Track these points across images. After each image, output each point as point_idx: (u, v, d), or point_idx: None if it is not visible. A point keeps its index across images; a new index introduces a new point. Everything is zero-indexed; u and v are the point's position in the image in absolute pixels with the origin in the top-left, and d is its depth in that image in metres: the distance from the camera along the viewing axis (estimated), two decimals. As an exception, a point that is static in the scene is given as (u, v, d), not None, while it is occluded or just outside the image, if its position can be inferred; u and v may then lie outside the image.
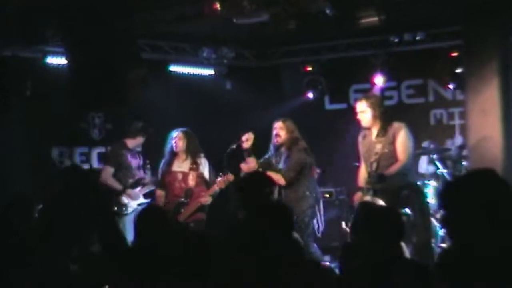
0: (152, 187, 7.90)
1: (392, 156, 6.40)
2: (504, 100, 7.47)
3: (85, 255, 3.44)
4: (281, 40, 9.79)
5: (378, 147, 6.38)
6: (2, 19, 7.12)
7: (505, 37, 7.52)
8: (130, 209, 7.70)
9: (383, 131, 6.46)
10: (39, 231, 3.34)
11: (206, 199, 7.07)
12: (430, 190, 7.72)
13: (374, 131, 6.54)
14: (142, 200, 7.82)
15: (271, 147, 7.18)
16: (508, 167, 7.20)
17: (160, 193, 7.37)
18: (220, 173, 7.03)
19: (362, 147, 6.73)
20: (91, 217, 3.33)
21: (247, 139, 6.98)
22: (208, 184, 7.16)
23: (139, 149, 8.12)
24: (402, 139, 6.43)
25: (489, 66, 7.46)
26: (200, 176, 7.21)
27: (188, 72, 9.93)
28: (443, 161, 8.37)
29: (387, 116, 6.54)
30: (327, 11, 7.40)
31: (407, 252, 5.33)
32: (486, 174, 2.28)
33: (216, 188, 7.04)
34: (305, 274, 3.26)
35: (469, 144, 7.77)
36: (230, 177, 6.97)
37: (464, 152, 8.52)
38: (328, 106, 10.61)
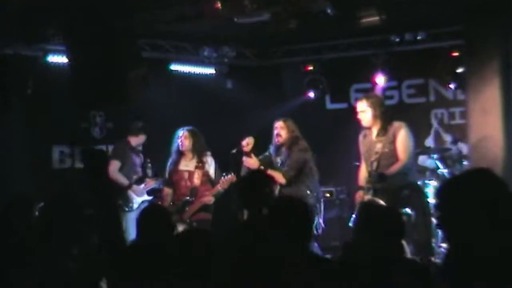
0: (154, 185, 8.00)
1: (392, 155, 6.39)
2: (505, 99, 7.46)
3: (85, 255, 3.43)
4: (282, 40, 9.79)
5: (379, 146, 6.38)
6: (3, 18, 7.12)
7: (506, 36, 7.50)
8: (135, 205, 7.88)
9: (384, 130, 6.46)
10: (39, 230, 3.33)
11: (209, 199, 7.07)
12: (431, 190, 7.71)
13: (375, 130, 6.54)
14: (146, 197, 7.96)
15: (271, 147, 7.17)
16: (509, 167, 7.19)
17: (167, 191, 7.37)
18: (224, 174, 7.03)
19: (362, 147, 6.72)
20: (91, 217, 3.32)
21: (248, 144, 7.01)
22: (213, 183, 7.15)
23: (140, 147, 8.23)
24: (402, 138, 6.43)
25: (490, 66, 7.45)
26: (206, 175, 7.20)
27: (189, 71, 9.92)
28: (443, 160, 8.36)
29: (387, 115, 6.54)
30: (328, 11, 7.40)
31: (408, 252, 5.33)
32: (483, 173, 2.26)
33: (219, 188, 7.03)
34: (306, 275, 3.25)
35: (470, 143, 7.75)
36: (233, 177, 6.97)
37: (464, 152, 8.51)
38: (329, 105, 10.60)
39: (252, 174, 5.62)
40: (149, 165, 8.46)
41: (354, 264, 3.31)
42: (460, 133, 9.00)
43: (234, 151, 7.03)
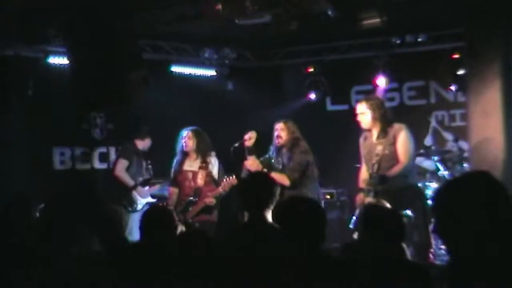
0: (159, 190, 8.13)
1: (393, 157, 6.39)
2: (506, 101, 7.45)
3: (85, 255, 3.43)
4: (283, 41, 9.79)
5: (379, 148, 6.37)
6: (3, 18, 7.13)
7: (507, 38, 7.50)
8: (139, 207, 8.02)
9: (384, 132, 6.45)
10: (39, 231, 3.34)
11: (210, 200, 7.06)
12: (431, 192, 7.71)
13: (375, 132, 6.54)
14: (150, 199, 8.03)
15: (271, 148, 7.17)
16: (509, 169, 7.18)
17: (172, 190, 7.38)
18: (226, 176, 7.03)
19: (363, 149, 6.72)
20: (91, 217, 3.32)
21: (250, 138, 6.98)
22: (217, 183, 7.14)
23: (146, 151, 8.34)
24: (403, 140, 6.42)
25: (491, 68, 7.44)
26: (209, 175, 7.19)
27: (189, 73, 9.92)
28: (443, 162, 8.36)
29: (387, 117, 6.53)
30: (329, 12, 7.40)
31: (408, 254, 5.33)
32: (481, 176, 2.23)
33: (220, 190, 7.03)
34: (305, 275, 3.26)
35: (471, 145, 7.75)
36: (234, 180, 6.96)
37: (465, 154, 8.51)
38: (330, 107, 10.61)
39: (253, 176, 5.61)
40: (150, 166, 8.51)
41: (354, 265, 3.31)
42: (460, 135, 9.01)
43: (236, 145, 7.02)
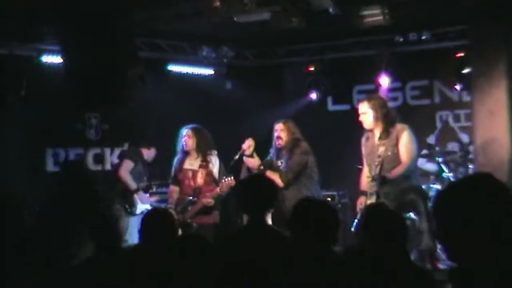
0: (158, 200, 8.24)
1: (395, 158, 6.39)
2: (512, 101, 7.46)
3: (82, 256, 3.44)
4: (283, 39, 9.80)
5: (381, 149, 6.37)
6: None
7: (513, 36, 7.51)
8: (138, 211, 8.10)
9: (386, 133, 6.45)
10: (34, 234, 3.34)
11: (209, 201, 7.06)
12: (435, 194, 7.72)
13: (377, 133, 6.54)
14: (148, 206, 8.06)
15: (272, 150, 7.17)
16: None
17: (173, 188, 7.39)
18: (224, 177, 7.04)
19: (364, 150, 6.72)
20: (87, 220, 3.33)
21: (249, 146, 7.01)
22: (217, 183, 7.14)
23: (150, 160, 8.49)
24: (405, 141, 6.42)
25: (496, 66, 7.45)
26: (210, 175, 7.19)
27: (187, 72, 9.93)
28: (448, 164, 8.37)
29: (389, 117, 6.53)
30: (330, 10, 7.41)
31: (412, 257, 5.33)
32: (484, 179, 2.20)
33: (218, 191, 7.04)
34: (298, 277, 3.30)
35: (476, 146, 7.75)
36: (232, 181, 6.96)
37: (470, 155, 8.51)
38: (331, 107, 10.62)
39: (252, 178, 5.61)
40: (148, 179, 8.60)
41: (356, 267, 3.33)
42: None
43: (236, 157, 7.03)
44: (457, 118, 9.77)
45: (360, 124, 6.67)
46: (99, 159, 9.61)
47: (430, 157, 8.74)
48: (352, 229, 6.38)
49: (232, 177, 7.01)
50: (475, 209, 2.10)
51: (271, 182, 5.11)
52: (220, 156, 7.33)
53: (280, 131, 7.03)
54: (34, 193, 6.68)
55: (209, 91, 9.89)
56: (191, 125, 7.32)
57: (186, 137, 7.25)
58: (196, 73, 9.96)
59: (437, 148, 8.67)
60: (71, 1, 6.14)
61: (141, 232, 3.95)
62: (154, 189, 9.03)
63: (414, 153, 6.57)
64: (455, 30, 9.06)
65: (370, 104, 6.54)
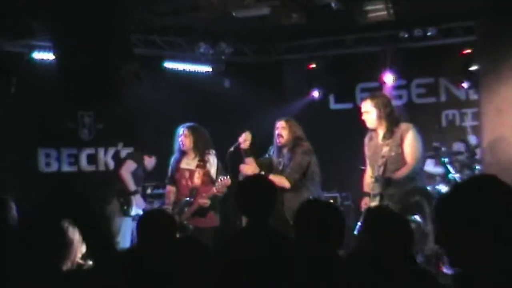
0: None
1: (399, 159, 6.38)
2: (521, 99, 7.46)
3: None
4: (283, 35, 9.81)
5: (385, 150, 6.36)
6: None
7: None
8: (132, 212, 8.18)
9: (390, 132, 6.44)
10: (20, 236, 3.34)
11: (205, 202, 7.05)
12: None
13: (381, 132, 6.53)
14: (140, 212, 8.11)
15: (272, 148, 7.16)
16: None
17: (170, 188, 7.39)
18: (220, 177, 7.03)
19: (368, 150, 6.71)
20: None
21: (245, 140, 6.97)
22: (215, 183, 7.13)
23: (149, 169, 8.56)
24: (410, 141, 6.41)
25: (505, 64, 7.45)
26: (207, 175, 7.18)
27: (183, 69, 9.93)
28: (454, 164, 8.37)
29: (393, 116, 6.52)
30: (332, 5, 7.41)
31: (417, 261, 5.33)
32: (488, 181, 2.19)
33: (214, 191, 7.03)
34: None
35: (484, 146, 7.76)
36: (228, 181, 6.96)
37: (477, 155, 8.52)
38: (333, 105, 10.63)
39: (251, 178, 5.61)
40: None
41: (358, 270, 3.33)
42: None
43: (231, 149, 7.00)
44: (464, 117, 9.78)
45: (363, 124, 6.66)
46: (93, 159, 9.62)
47: (435, 158, 8.74)
48: (355, 232, 6.39)
49: (228, 176, 7.01)
50: (479, 211, 2.09)
51: (271, 182, 5.10)
52: (218, 156, 7.32)
53: (282, 129, 7.02)
54: (25, 195, 6.67)
55: (206, 89, 9.89)
56: (188, 124, 7.31)
57: (182, 136, 7.25)
58: (193, 70, 9.97)
59: (443, 149, 8.67)
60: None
61: (139, 233, 3.94)
62: (150, 190, 9.09)
63: (420, 153, 6.56)
64: (462, 25, 9.07)
65: (373, 102, 6.52)
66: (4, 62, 8.10)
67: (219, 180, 7.00)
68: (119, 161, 8.89)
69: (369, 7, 7.79)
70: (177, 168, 7.32)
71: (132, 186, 8.23)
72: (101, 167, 9.68)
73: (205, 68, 9.91)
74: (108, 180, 8.66)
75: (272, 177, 6.65)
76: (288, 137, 6.97)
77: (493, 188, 2.13)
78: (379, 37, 9.59)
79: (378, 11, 7.76)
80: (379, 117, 6.48)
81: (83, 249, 4.23)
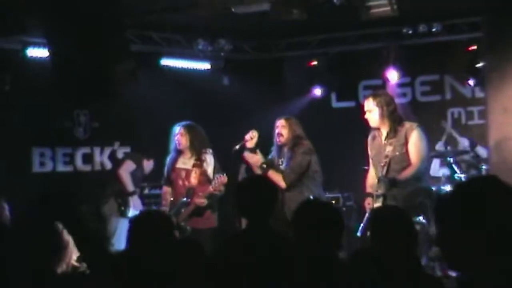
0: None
1: (404, 159, 6.38)
2: (528, 98, 7.46)
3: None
4: (284, 32, 9.80)
5: (389, 149, 6.36)
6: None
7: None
8: (129, 213, 8.16)
9: (394, 132, 6.44)
10: (12, 242, 3.34)
11: (201, 201, 7.05)
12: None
13: (384, 132, 6.53)
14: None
15: (273, 148, 7.16)
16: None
17: (166, 189, 7.40)
18: (216, 175, 7.03)
19: (371, 149, 6.71)
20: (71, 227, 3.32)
21: (251, 138, 6.97)
22: (212, 183, 7.13)
23: (147, 172, 8.61)
24: (415, 140, 6.41)
25: (510, 61, 7.46)
26: (204, 174, 7.18)
27: (181, 66, 9.93)
28: (459, 164, 8.37)
29: (397, 115, 6.52)
30: (335, 0, 7.41)
31: (421, 263, 5.34)
32: (489, 182, 2.19)
33: (211, 189, 7.03)
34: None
35: (490, 145, 7.76)
36: (224, 179, 6.96)
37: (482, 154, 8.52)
38: (335, 104, 10.63)
39: (250, 178, 5.61)
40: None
41: (360, 271, 3.34)
42: (478, 135, 9.01)
43: (237, 147, 6.99)
44: (470, 116, 9.77)
45: (366, 122, 6.66)
46: (88, 159, 9.62)
47: (441, 157, 8.73)
48: (358, 233, 6.39)
49: (224, 174, 7.01)
50: (478, 211, 2.09)
51: (271, 182, 5.11)
52: (216, 156, 7.32)
53: (281, 128, 7.02)
54: (19, 194, 6.68)
55: (205, 86, 9.89)
56: (184, 122, 7.31)
57: (179, 135, 7.25)
58: (191, 67, 9.96)
59: (448, 148, 8.68)
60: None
61: (131, 236, 3.93)
62: (147, 190, 9.10)
63: (425, 153, 6.56)
64: (468, 21, 9.06)
65: (375, 101, 6.52)
66: (-3, 59, 8.11)
67: (216, 178, 7.01)
68: (117, 161, 8.91)
69: (372, 3, 7.78)
70: (173, 168, 7.32)
71: (130, 186, 8.26)
72: (97, 167, 9.68)
73: (204, 65, 9.91)
74: (104, 180, 8.66)
75: (270, 173, 6.69)
76: (288, 136, 6.97)
77: (492, 188, 2.14)
78: (382, 33, 9.59)
79: (381, 7, 7.75)
80: (382, 116, 6.48)
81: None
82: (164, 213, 5.91)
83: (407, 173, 6.36)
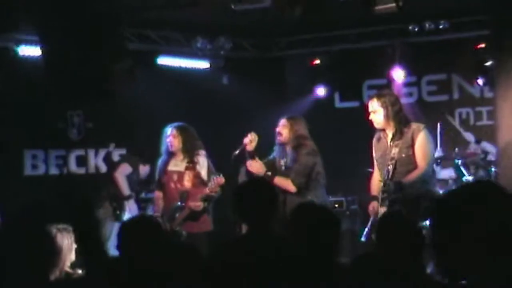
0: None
1: (410, 161, 6.38)
2: (538, 97, 7.46)
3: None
4: (285, 29, 9.81)
5: (394, 151, 6.36)
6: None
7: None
8: (124, 217, 8.14)
9: (400, 133, 6.44)
10: (5, 242, 3.34)
11: (197, 205, 7.05)
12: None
13: (389, 133, 6.52)
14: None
15: (275, 148, 7.16)
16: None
17: (158, 194, 7.40)
18: (213, 176, 7.03)
19: (376, 151, 6.70)
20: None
21: (251, 141, 6.95)
22: (206, 185, 7.13)
23: (143, 177, 8.60)
24: (422, 142, 6.41)
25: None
26: (198, 177, 7.18)
27: (179, 65, 9.94)
28: (468, 166, 8.36)
29: (402, 116, 6.51)
30: (338, -4, 7.41)
31: (428, 270, 5.33)
32: (487, 187, 2.20)
33: (207, 191, 7.03)
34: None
35: (499, 147, 7.76)
36: (221, 180, 6.96)
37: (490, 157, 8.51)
38: (339, 104, 10.63)
39: (250, 182, 5.60)
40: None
41: (362, 275, 3.35)
42: (487, 136, 9.00)
43: (236, 152, 6.97)
44: (478, 116, 9.77)
45: (370, 123, 6.66)
46: (82, 161, 9.62)
47: (448, 160, 8.72)
48: (362, 238, 6.38)
49: (221, 175, 7.00)
50: (475, 217, 2.10)
51: (271, 185, 5.10)
52: (216, 157, 7.32)
53: (282, 127, 7.02)
54: (10, 198, 6.69)
55: (203, 86, 9.89)
56: (176, 124, 7.31)
57: (171, 137, 7.25)
58: (190, 66, 9.97)
59: (456, 150, 8.66)
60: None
61: (122, 241, 3.92)
62: (143, 195, 9.10)
63: (432, 155, 6.56)
64: (476, 19, 9.05)
65: (380, 101, 6.51)
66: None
67: (213, 179, 7.00)
68: (113, 164, 8.91)
69: (376, -1, 7.78)
70: (164, 170, 7.32)
71: (126, 190, 8.25)
72: (91, 170, 9.68)
73: (203, 64, 9.91)
74: (99, 183, 8.66)
75: (277, 180, 6.67)
76: (288, 136, 6.97)
77: (488, 193, 2.15)
78: (387, 30, 9.59)
79: (386, 3, 7.74)
80: (387, 117, 6.47)
81: (72, 257, 4.25)
82: (152, 218, 5.93)
83: (414, 176, 6.35)
